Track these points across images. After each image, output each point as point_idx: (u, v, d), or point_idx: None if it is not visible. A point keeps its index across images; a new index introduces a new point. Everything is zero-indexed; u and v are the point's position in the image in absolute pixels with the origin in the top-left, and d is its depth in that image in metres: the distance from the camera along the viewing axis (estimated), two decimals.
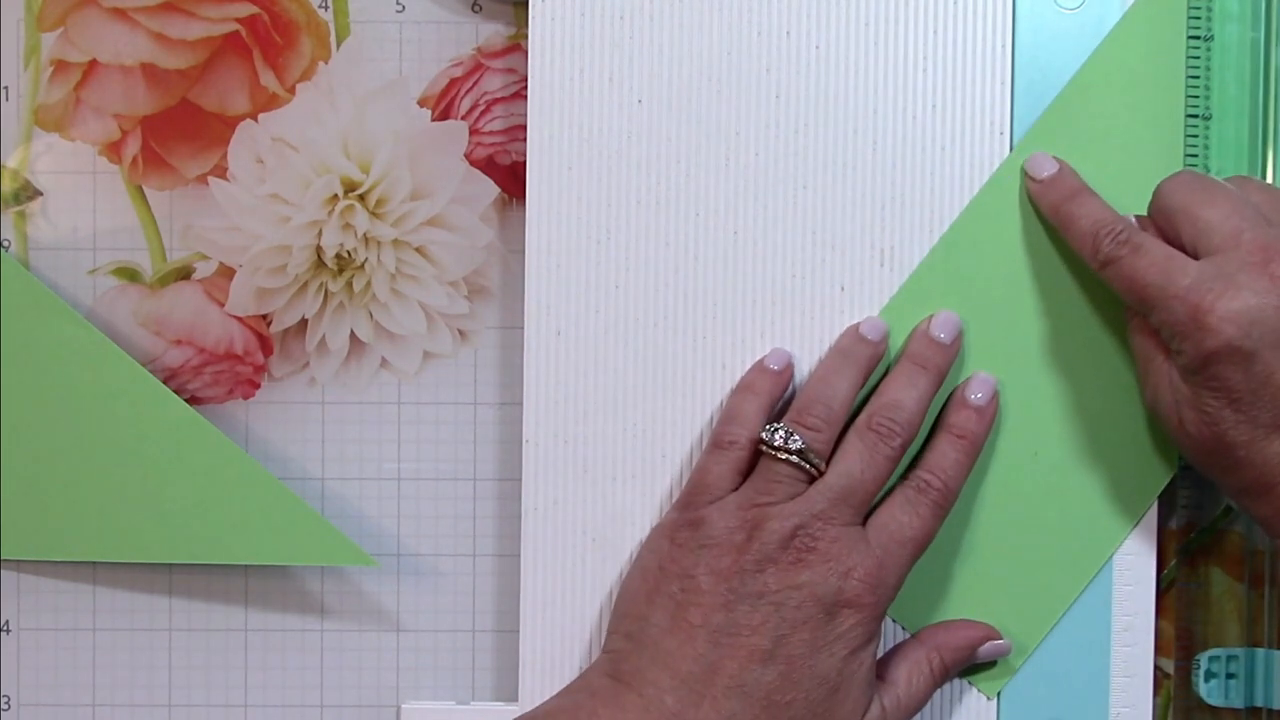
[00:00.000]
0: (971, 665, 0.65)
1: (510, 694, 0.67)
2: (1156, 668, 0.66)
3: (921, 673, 0.63)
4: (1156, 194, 0.62)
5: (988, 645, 0.64)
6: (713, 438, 0.63)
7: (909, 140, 0.65)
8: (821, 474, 0.61)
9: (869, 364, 0.64)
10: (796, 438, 0.61)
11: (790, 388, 0.64)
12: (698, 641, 0.59)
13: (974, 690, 0.65)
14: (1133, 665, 0.65)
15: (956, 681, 0.65)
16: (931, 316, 0.64)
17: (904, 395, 0.62)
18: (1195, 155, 0.64)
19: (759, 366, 0.65)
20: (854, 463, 0.61)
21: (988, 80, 0.65)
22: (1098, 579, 0.65)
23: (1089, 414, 0.65)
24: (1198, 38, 0.64)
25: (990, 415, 0.64)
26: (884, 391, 0.63)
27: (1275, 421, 0.58)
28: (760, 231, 0.65)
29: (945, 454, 0.63)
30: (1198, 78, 0.65)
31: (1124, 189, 0.64)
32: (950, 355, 0.64)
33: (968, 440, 0.63)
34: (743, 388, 0.64)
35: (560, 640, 0.65)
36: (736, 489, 0.62)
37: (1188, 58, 0.65)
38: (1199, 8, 0.64)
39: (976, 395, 0.64)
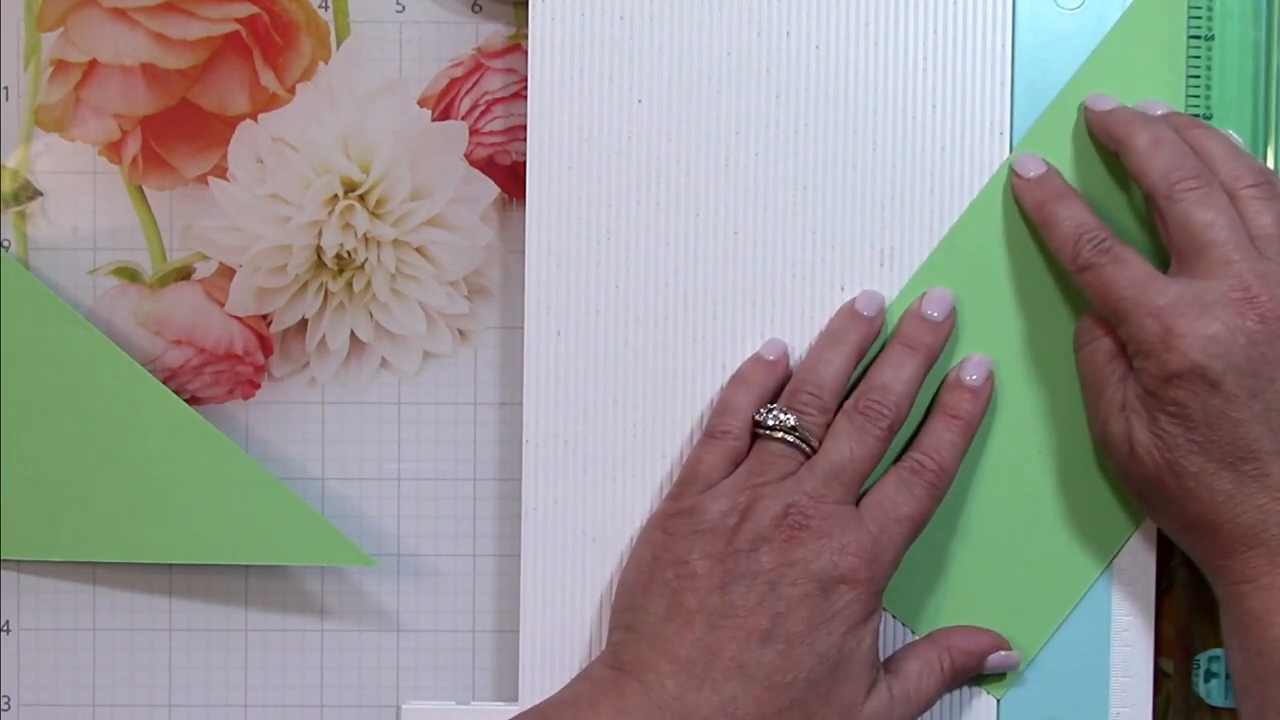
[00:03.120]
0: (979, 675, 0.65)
1: (510, 694, 0.67)
2: (1156, 668, 0.66)
3: (932, 671, 0.63)
4: (1144, 153, 0.61)
5: (996, 656, 0.64)
6: (705, 429, 0.63)
7: (909, 140, 0.65)
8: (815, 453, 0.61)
9: (863, 341, 0.64)
10: (789, 416, 0.61)
11: (785, 378, 0.64)
12: (696, 626, 0.59)
13: (975, 689, 0.65)
14: (1133, 665, 0.65)
15: None
16: (924, 294, 0.64)
17: (891, 377, 0.62)
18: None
19: (754, 358, 0.64)
20: (843, 442, 0.61)
21: (988, 80, 0.65)
22: (1097, 578, 0.65)
23: None
24: (1198, 37, 0.64)
25: (985, 396, 0.64)
26: (872, 374, 0.63)
27: (1225, 457, 0.58)
28: (760, 231, 0.65)
29: (940, 435, 0.63)
30: (1198, 77, 0.64)
31: (1123, 190, 0.64)
32: (943, 334, 0.64)
33: (962, 421, 0.63)
34: (736, 379, 0.64)
35: (560, 640, 0.65)
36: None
37: (1189, 57, 0.64)
38: (1200, 7, 0.64)
39: (971, 376, 0.64)
